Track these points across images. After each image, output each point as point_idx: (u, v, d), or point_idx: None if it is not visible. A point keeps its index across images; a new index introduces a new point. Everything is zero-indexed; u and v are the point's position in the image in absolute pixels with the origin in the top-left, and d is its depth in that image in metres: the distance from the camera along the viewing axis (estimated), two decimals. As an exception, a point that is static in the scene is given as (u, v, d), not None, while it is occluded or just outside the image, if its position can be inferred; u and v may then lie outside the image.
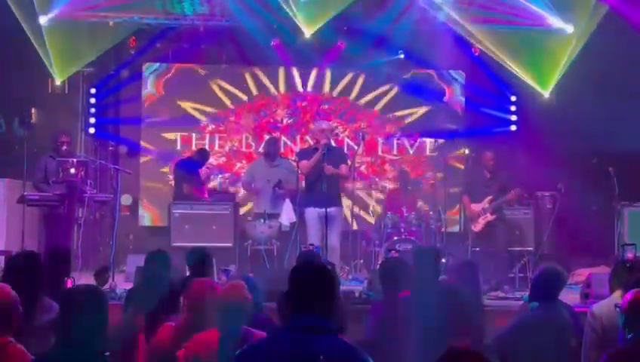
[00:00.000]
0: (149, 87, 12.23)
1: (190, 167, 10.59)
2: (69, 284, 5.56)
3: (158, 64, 12.22)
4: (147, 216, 12.12)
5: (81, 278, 7.67)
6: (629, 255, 5.20)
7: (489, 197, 9.76)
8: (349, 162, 10.02)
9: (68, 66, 10.99)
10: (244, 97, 12.42)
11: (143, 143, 12.21)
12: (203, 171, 10.56)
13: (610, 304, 4.94)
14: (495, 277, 9.20)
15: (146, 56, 12.03)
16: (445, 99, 12.50)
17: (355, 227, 11.15)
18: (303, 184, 9.64)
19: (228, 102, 12.41)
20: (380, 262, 9.28)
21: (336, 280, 3.44)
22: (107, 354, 3.64)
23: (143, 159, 12.20)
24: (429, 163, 12.42)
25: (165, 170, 12.09)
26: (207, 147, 11.99)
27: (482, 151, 10.39)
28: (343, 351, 3.19)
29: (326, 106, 12.52)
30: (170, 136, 12.31)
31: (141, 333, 4.62)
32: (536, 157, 11.38)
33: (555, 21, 10.86)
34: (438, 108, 12.49)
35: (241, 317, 4.37)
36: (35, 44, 10.44)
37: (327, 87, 12.53)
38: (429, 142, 12.56)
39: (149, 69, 12.23)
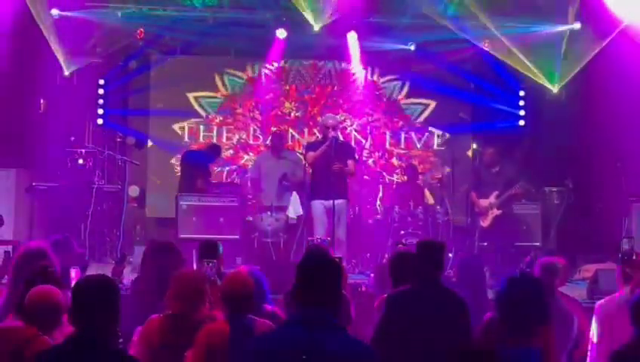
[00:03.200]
0: (157, 79, 12.24)
1: (200, 159, 10.60)
2: (75, 274, 5.55)
3: (166, 55, 12.23)
4: (154, 208, 12.14)
5: (89, 269, 7.66)
6: (626, 247, 5.16)
7: (496, 192, 9.74)
8: (356, 157, 9.99)
9: (77, 57, 11.00)
10: (253, 89, 12.42)
11: (150, 134, 12.23)
12: (213, 166, 10.57)
13: (617, 300, 4.93)
14: (502, 272, 9.18)
15: (154, 47, 12.04)
16: (454, 93, 12.47)
17: (362, 220, 11.13)
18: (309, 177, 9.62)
19: (236, 94, 12.41)
20: (387, 256, 9.29)
21: (343, 273, 3.43)
22: (120, 341, 3.68)
23: (150, 150, 12.22)
24: (437, 157, 12.41)
25: (173, 161, 12.11)
26: (214, 139, 12.05)
27: (485, 147, 10.36)
28: (348, 345, 3.18)
29: (334, 99, 12.51)
30: (177, 127, 12.33)
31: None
32: (544, 152, 11.37)
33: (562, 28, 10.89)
34: (446, 102, 12.48)
35: (243, 305, 4.39)
36: (44, 35, 10.45)
37: (335, 80, 12.52)
38: (436, 136, 12.56)
39: (157, 60, 12.24)
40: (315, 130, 11.93)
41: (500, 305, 4.24)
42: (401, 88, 12.52)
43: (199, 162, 10.55)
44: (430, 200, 11.43)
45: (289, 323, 3.27)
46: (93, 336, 3.39)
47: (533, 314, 4.12)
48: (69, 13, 10.67)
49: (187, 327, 4.41)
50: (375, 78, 12.48)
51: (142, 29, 11.28)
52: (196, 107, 12.34)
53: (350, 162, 9.44)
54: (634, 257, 5.17)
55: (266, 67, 12.39)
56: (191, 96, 12.32)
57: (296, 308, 3.26)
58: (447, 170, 11.06)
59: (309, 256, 3.42)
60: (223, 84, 12.39)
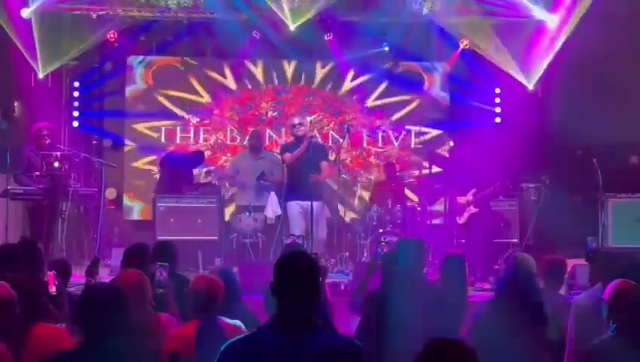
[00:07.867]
0: (134, 80, 12.18)
1: (184, 163, 10.55)
2: (51, 277, 5.49)
3: (142, 57, 12.17)
4: (132, 210, 12.08)
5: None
6: (593, 245, 5.21)
7: (473, 190, 9.78)
8: (333, 156, 10.00)
9: (51, 59, 10.92)
10: (229, 90, 12.40)
11: (127, 136, 12.16)
12: (196, 172, 10.56)
13: (592, 295, 4.97)
14: (480, 269, 9.23)
15: (129, 49, 11.98)
16: (429, 91, 12.52)
17: (340, 220, 11.14)
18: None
19: (212, 95, 12.38)
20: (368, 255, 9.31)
21: (320, 271, 3.42)
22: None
23: (127, 152, 12.15)
24: (414, 155, 12.44)
25: (149, 162, 12.06)
26: (191, 140, 12.04)
27: (465, 144, 10.41)
28: (332, 344, 3.17)
29: (311, 99, 12.51)
30: (154, 129, 12.27)
31: None
32: (520, 149, 11.40)
33: (539, 13, 10.88)
34: (422, 101, 12.53)
35: (210, 307, 4.38)
36: (18, 37, 10.36)
37: (311, 80, 12.52)
38: (414, 134, 12.58)
39: (134, 61, 12.18)
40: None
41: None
42: (377, 88, 12.53)
43: (183, 166, 10.50)
44: (408, 198, 11.42)
45: (270, 325, 3.23)
46: (104, 342, 3.43)
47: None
48: (42, 15, 10.59)
49: None
50: (351, 77, 12.47)
51: (114, 31, 11.22)
52: (173, 108, 12.28)
53: (324, 164, 9.45)
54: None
55: (242, 67, 12.35)
56: (167, 97, 12.25)
57: (276, 310, 3.23)
58: (425, 167, 11.01)
59: (286, 256, 3.37)
60: (199, 85, 12.34)
